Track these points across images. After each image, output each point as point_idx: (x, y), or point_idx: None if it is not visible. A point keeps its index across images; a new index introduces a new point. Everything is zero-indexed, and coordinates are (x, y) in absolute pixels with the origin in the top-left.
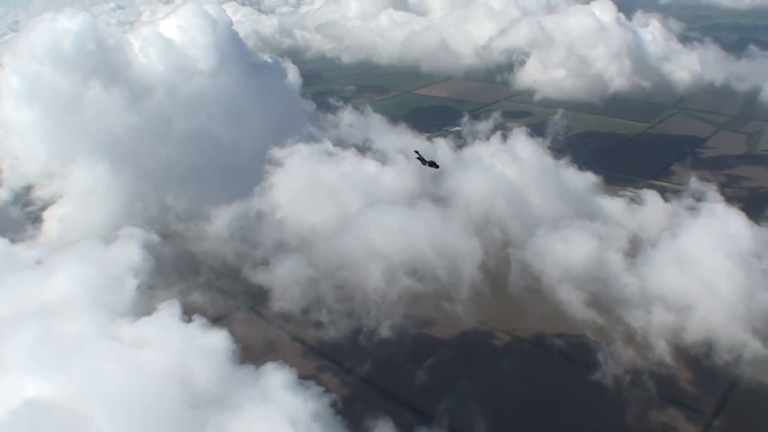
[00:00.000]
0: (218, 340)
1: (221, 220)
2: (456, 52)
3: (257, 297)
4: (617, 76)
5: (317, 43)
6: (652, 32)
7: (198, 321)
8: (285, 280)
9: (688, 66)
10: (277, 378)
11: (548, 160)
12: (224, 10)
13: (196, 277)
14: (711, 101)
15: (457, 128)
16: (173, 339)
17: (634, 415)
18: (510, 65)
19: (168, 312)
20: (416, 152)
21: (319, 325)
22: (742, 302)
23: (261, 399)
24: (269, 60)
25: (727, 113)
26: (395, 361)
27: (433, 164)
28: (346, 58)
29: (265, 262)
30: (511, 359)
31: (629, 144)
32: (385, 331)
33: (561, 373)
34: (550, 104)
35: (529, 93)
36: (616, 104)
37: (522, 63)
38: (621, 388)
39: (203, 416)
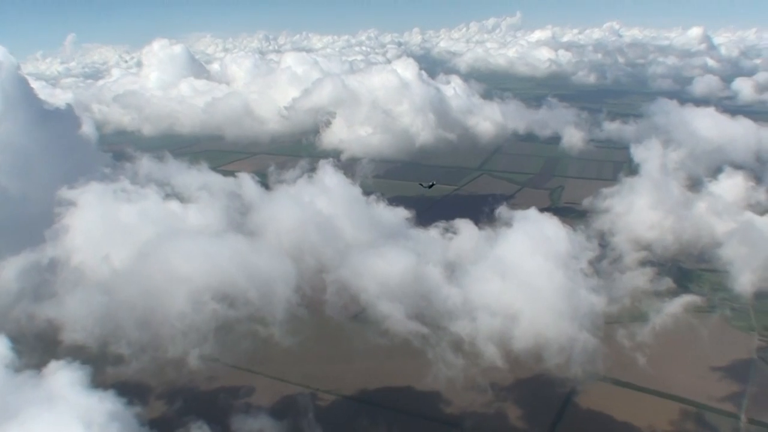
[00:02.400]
0: None
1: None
2: (260, 117)
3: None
4: (423, 130)
5: (116, 116)
6: (455, 88)
7: None
8: (78, 314)
9: (492, 117)
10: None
11: (358, 194)
12: (9, 53)
13: None
14: (513, 162)
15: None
16: None
17: None
18: (316, 127)
19: None
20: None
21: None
22: (565, 301)
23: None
24: (61, 107)
25: (529, 172)
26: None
27: (431, 185)
28: (147, 129)
29: (57, 298)
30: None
31: (438, 205)
32: (193, 361)
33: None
34: (355, 163)
35: (336, 153)
36: (424, 169)
37: (328, 123)
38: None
39: None
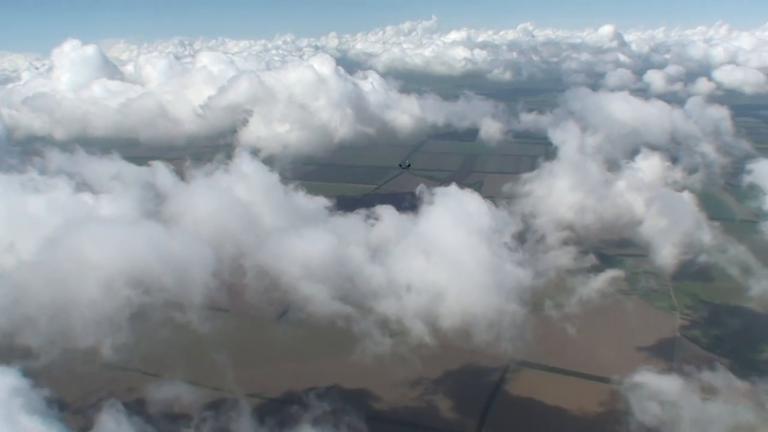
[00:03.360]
0: None
1: None
2: (176, 117)
3: None
4: (342, 126)
5: (26, 120)
6: (372, 83)
7: None
8: None
9: (410, 111)
10: None
11: (276, 182)
12: None
13: None
14: (433, 160)
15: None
16: None
17: None
18: (233, 126)
19: None
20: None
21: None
22: (490, 276)
23: None
24: None
25: (448, 169)
26: None
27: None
28: (59, 133)
29: None
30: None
31: (358, 203)
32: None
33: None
34: (273, 161)
35: (254, 151)
36: (344, 170)
37: (245, 122)
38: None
39: None
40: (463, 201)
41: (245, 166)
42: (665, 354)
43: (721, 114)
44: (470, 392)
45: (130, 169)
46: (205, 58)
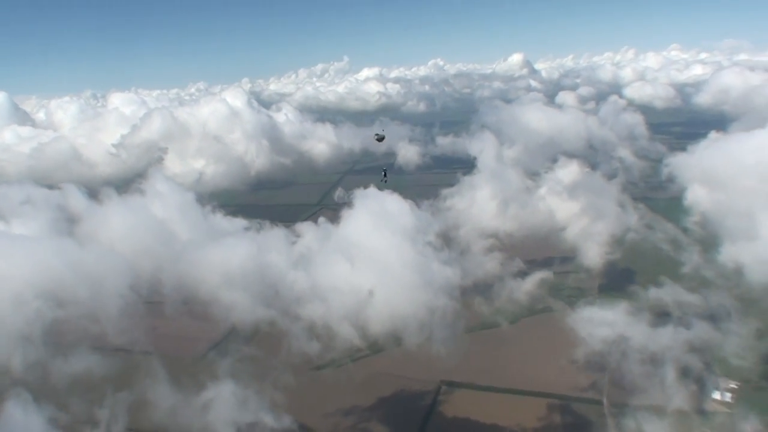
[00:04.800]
0: None
1: None
2: (90, 160)
3: None
4: (258, 157)
5: None
6: (287, 115)
7: None
8: None
9: (326, 138)
10: None
11: (192, 200)
12: None
13: None
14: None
15: None
16: None
17: None
18: (148, 165)
19: None
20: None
21: None
22: (418, 275)
23: None
24: None
25: None
26: None
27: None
28: None
29: None
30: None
31: None
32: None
33: None
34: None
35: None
36: (265, 210)
37: (160, 159)
38: None
39: None
40: (384, 203)
41: (160, 186)
42: (598, 364)
43: (634, 120)
44: (403, 417)
45: (42, 193)
46: (116, 100)
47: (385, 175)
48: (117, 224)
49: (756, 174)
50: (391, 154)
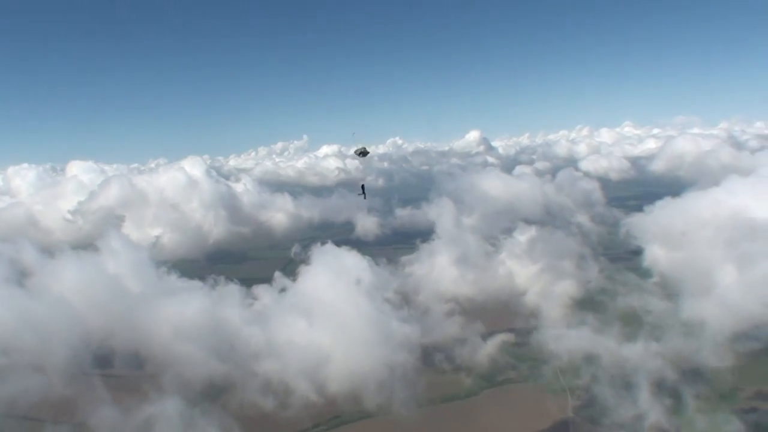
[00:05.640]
0: None
1: None
2: (46, 227)
3: None
4: (215, 227)
5: None
6: (245, 185)
7: None
8: None
9: (284, 208)
10: None
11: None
12: None
13: None
14: None
15: None
16: None
17: None
18: (105, 232)
19: None
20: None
21: None
22: (375, 332)
23: None
24: None
25: None
26: None
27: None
28: None
29: None
30: None
31: None
32: None
33: None
34: None
35: None
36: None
37: (117, 227)
38: None
39: None
40: (343, 259)
41: (115, 243)
42: None
43: (590, 186)
44: None
45: None
46: (75, 168)
47: (363, 190)
48: (70, 279)
49: (712, 229)
50: (350, 224)
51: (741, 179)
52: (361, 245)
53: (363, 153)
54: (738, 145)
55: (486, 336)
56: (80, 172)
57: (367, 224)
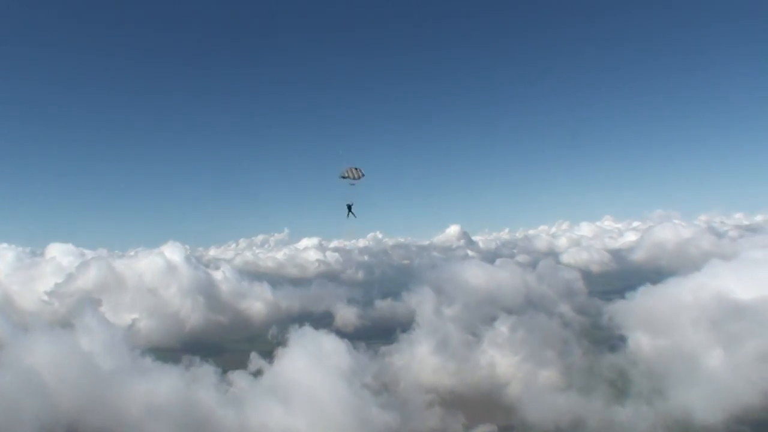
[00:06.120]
0: None
1: None
2: (21, 308)
3: None
4: (193, 314)
5: None
6: (225, 272)
7: None
8: None
9: (263, 297)
10: None
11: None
12: None
13: None
14: None
15: None
16: None
17: None
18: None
19: None
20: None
21: None
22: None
23: None
24: None
25: None
26: None
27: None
28: None
29: None
30: None
31: None
32: None
33: None
34: None
35: None
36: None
37: (94, 310)
38: None
39: None
40: (320, 344)
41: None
42: None
43: (571, 275)
44: None
45: None
46: (54, 250)
47: (350, 209)
48: (43, 353)
49: (696, 312)
50: (329, 314)
51: (723, 263)
52: (340, 336)
53: (354, 176)
54: (718, 235)
55: (467, 428)
56: (59, 254)
57: (346, 315)
